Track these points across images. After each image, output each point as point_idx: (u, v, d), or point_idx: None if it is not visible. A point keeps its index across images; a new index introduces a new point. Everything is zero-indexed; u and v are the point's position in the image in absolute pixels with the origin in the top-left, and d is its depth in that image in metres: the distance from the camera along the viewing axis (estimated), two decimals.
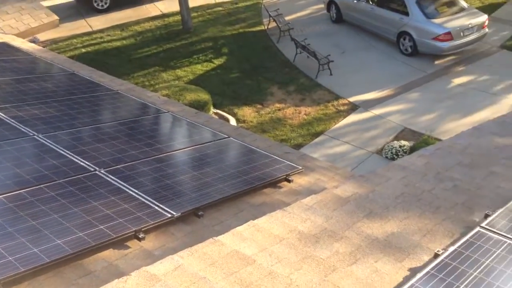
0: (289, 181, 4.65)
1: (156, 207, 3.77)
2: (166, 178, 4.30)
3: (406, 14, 13.55)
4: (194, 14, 16.05)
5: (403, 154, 9.64)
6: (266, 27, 15.67)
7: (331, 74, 12.95)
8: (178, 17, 15.49)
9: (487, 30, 13.81)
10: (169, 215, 3.67)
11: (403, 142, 10.16)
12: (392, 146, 10.04)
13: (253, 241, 2.97)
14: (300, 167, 4.85)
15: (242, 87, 12.56)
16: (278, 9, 15.42)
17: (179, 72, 13.20)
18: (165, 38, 14.88)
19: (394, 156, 9.72)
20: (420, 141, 10.28)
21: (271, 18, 15.19)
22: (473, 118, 10.80)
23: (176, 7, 15.48)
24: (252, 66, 13.52)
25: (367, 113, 11.60)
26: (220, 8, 17.04)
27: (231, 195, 4.15)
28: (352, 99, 12.08)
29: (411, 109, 11.63)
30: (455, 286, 2.59)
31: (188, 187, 4.18)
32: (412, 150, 9.54)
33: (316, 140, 10.60)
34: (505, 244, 3.00)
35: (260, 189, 4.45)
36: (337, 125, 11.14)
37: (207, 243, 2.88)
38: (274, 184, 4.59)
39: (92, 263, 3.16)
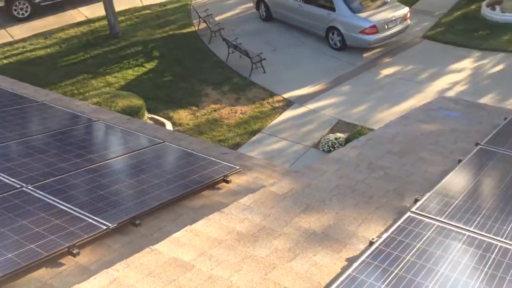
0: (227, 181, 4.63)
1: (90, 220, 3.63)
2: (99, 189, 4.16)
3: (333, 9, 13.90)
4: (121, 18, 15.67)
5: (339, 146, 9.89)
6: (196, 28, 15.57)
7: (264, 72, 13.06)
8: (105, 22, 15.07)
9: (409, 22, 14.43)
10: (104, 227, 3.55)
11: (338, 135, 10.42)
12: (328, 139, 10.26)
13: (191, 246, 2.93)
14: (238, 167, 4.84)
15: (176, 90, 12.41)
16: (207, 9, 15.37)
17: (109, 78, 12.85)
18: (92, 44, 14.43)
19: (331, 148, 9.95)
20: (354, 132, 10.59)
21: (201, 19, 15.11)
22: (402, 107, 11.25)
23: (101, 12, 15.05)
24: (185, 68, 13.39)
25: (302, 108, 11.80)
26: (148, 11, 16.74)
27: (169, 200, 4.08)
28: (286, 96, 12.24)
29: (344, 101, 11.95)
30: (389, 271, 2.68)
31: (123, 196, 4.06)
32: (347, 141, 9.81)
33: (254, 138, 10.66)
34: (434, 226, 3.14)
35: (198, 192, 4.40)
36: (274, 122, 11.25)
37: (143, 253, 2.81)
38: (212, 186, 4.55)
39: (24, 285, 3.01)
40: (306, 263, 2.87)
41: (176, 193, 4.17)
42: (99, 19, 15.67)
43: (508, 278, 2.66)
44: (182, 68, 13.41)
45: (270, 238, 3.09)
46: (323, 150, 10.07)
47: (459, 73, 12.73)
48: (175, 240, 2.99)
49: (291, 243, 3.05)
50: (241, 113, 11.52)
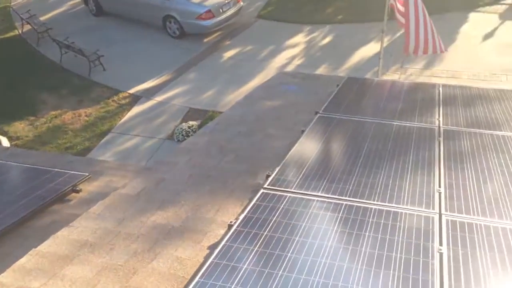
0: (77, 191, 4.33)
1: None
2: None
3: None
4: None
5: (194, 133, 9.88)
6: (20, 31, 14.27)
7: (104, 70, 12.49)
8: None
9: (242, 3, 14.84)
10: None
11: (191, 123, 10.41)
12: (181, 128, 10.20)
13: (40, 270, 2.67)
14: (87, 174, 4.56)
15: (6, 102, 11.28)
16: (30, 10, 14.15)
17: None
18: None
19: (185, 137, 9.90)
20: (206, 118, 10.67)
21: (23, 21, 13.86)
22: (248, 86, 11.59)
23: None
24: (13, 76, 12.23)
25: (150, 102, 11.54)
26: None
27: (11, 224, 3.69)
28: (132, 91, 11.86)
29: (192, 89, 11.95)
30: (249, 250, 2.72)
31: None
32: (200, 128, 9.84)
33: (104, 140, 10.17)
34: (286, 198, 3.26)
35: (47, 208, 4.05)
36: (123, 120, 10.85)
37: None
38: (61, 198, 4.22)
39: None
40: (168, 260, 2.79)
41: (18, 215, 3.78)
42: None
43: (355, 233, 2.87)
44: (9, 76, 12.21)
45: (127, 243, 2.95)
46: (179, 140, 10.00)
47: (294, 48, 13.48)
48: (20, 268, 2.70)
49: (150, 243, 2.95)
50: (86, 116, 10.89)
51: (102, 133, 10.35)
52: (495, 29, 13.42)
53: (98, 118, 10.83)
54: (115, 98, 11.57)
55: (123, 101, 11.48)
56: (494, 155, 3.81)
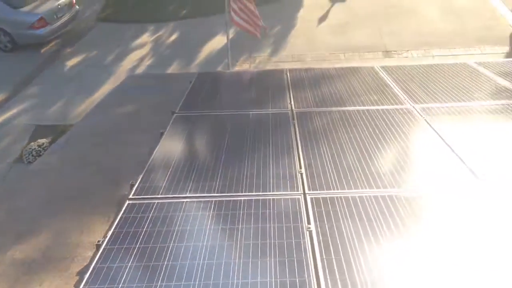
0: None
1: None
2: None
3: None
4: None
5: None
6: None
7: None
8: None
9: (77, 7, 14.05)
10: None
11: (40, 141, 9.62)
12: (30, 148, 9.37)
13: None
14: None
15: None
16: None
17: None
18: None
19: (37, 157, 9.13)
20: (59, 133, 9.94)
21: None
22: (100, 93, 11.03)
23: None
24: None
25: None
26: None
27: None
28: None
29: (36, 104, 11.04)
30: (123, 267, 2.58)
31: None
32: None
33: None
34: (155, 205, 3.16)
35: None
36: None
37: None
38: None
39: None
40: None
41: None
42: None
43: (228, 227, 2.88)
44: None
45: None
46: (29, 162, 9.18)
47: (141, 48, 13.14)
48: None
49: (8, 283, 2.64)
50: None
51: None
52: (328, 11, 14.48)
53: None
54: None
55: None
56: (343, 130, 4.10)
